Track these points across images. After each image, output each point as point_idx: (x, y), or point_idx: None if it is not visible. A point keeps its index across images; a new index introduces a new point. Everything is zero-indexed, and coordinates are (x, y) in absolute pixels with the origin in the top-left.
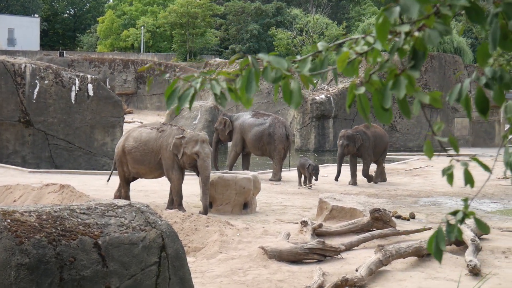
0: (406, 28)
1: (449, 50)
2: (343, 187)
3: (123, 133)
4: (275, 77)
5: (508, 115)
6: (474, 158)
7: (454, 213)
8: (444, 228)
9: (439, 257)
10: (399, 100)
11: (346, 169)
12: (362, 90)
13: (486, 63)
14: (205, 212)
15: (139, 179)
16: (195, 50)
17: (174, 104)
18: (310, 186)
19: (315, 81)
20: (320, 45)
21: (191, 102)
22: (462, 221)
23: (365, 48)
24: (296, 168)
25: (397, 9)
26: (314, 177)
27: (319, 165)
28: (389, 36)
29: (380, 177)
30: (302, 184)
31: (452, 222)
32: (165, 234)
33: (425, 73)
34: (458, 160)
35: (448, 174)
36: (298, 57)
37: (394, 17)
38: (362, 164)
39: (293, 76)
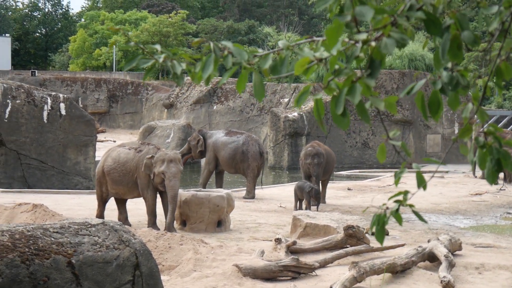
0: (363, 36)
1: (421, 67)
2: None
3: (104, 153)
4: (233, 63)
5: (463, 114)
6: (417, 171)
7: (398, 201)
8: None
9: (380, 239)
10: (358, 106)
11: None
12: (319, 95)
13: (441, 68)
14: (168, 229)
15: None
16: (167, 69)
17: (131, 65)
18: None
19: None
20: (281, 43)
21: (148, 72)
22: (397, 211)
23: (325, 54)
24: (293, 191)
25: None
26: (316, 202)
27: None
28: (349, 43)
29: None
30: (304, 208)
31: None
32: (139, 253)
33: (397, 90)
34: (432, 173)
35: (398, 176)
36: (260, 51)
37: (346, 20)
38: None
39: (254, 69)
